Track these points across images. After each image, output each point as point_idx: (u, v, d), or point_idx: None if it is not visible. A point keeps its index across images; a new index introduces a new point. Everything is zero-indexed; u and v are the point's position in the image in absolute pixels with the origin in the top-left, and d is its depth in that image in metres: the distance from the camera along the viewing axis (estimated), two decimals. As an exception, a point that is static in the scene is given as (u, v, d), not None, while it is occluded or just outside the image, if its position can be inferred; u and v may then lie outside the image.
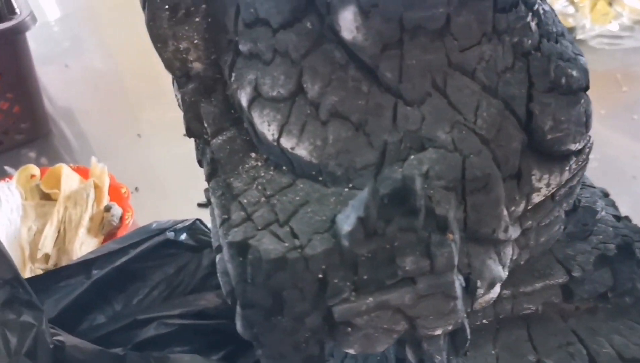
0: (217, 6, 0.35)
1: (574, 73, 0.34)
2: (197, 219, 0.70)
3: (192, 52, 0.36)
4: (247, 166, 0.36)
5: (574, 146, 0.36)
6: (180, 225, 0.70)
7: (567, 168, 0.37)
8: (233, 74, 0.35)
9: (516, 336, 0.48)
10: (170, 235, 0.68)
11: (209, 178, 0.39)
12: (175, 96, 0.39)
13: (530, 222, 0.39)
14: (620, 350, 0.46)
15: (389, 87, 0.33)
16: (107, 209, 0.81)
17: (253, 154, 0.37)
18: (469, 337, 0.36)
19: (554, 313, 0.49)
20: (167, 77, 0.38)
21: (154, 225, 0.70)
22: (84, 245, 0.77)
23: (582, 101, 0.35)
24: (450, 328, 0.35)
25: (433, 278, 0.32)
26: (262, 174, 0.35)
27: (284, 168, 0.36)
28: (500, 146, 0.34)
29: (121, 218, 0.81)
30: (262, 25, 0.33)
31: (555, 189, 0.38)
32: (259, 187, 0.35)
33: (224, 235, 0.34)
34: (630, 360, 0.45)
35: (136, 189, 0.94)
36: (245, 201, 0.34)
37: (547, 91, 0.34)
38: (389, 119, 0.33)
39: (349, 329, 0.33)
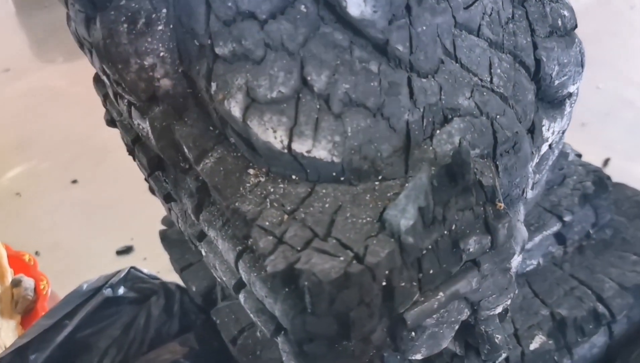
0: (181, 8, 0.29)
1: (566, 13, 0.33)
2: (132, 268, 0.63)
3: (159, 68, 0.30)
4: (248, 185, 0.31)
5: (572, 88, 0.35)
6: (114, 279, 0.61)
7: (565, 112, 0.36)
8: (213, 84, 0.30)
9: (522, 295, 0.47)
10: (107, 292, 0.60)
11: (196, 211, 0.34)
12: (137, 125, 0.33)
13: (537, 176, 0.38)
14: (620, 280, 0.46)
15: (400, 61, 0.30)
16: (16, 283, 0.70)
17: (251, 171, 0.32)
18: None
19: (548, 264, 0.49)
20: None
21: (85, 287, 0.61)
22: (1, 331, 0.65)
23: (576, 39, 0.34)
24: (509, 302, 0.32)
25: (495, 255, 0.30)
26: (272, 190, 0.31)
27: (294, 177, 0.31)
28: (519, 101, 0.32)
29: (35, 290, 0.70)
30: (246, 18, 0.29)
31: (555, 136, 0.37)
32: (275, 204, 0.30)
33: (251, 267, 0.29)
34: (632, 288, 0.46)
35: (37, 253, 0.82)
36: (267, 223, 0.29)
37: (548, 36, 0.32)
38: (407, 97, 0.30)
39: (414, 334, 0.30)
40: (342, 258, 0.27)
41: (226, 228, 0.32)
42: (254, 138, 0.30)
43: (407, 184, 0.27)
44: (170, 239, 0.57)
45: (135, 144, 0.37)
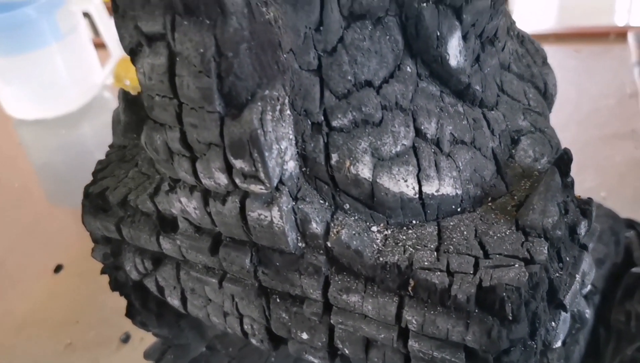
0: (295, 91, 0.31)
1: (539, 47, 0.42)
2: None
3: (288, 151, 0.31)
4: (378, 240, 0.33)
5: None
6: None
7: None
8: (334, 155, 0.32)
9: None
10: None
11: (325, 286, 0.34)
12: (255, 217, 0.33)
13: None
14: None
15: (474, 99, 0.35)
16: None
17: (374, 228, 0.34)
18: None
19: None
20: None
21: None
22: None
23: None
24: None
25: (590, 235, 0.36)
26: (404, 237, 0.33)
27: (414, 221, 0.34)
28: (546, 117, 0.39)
29: None
30: (363, 88, 0.32)
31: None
32: (418, 247, 0.33)
33: (422, 308, 0.31)
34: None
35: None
36: (426, 263, 0.32)
37: (543, 64, 0.41)
38: (487, 128, 0.35)
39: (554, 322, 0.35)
40: (516, 265, 0.31)
41: (371, 287, 0.33)
42: (383, 193, 0.33)
43: (539, 188, 0.32)
44: None
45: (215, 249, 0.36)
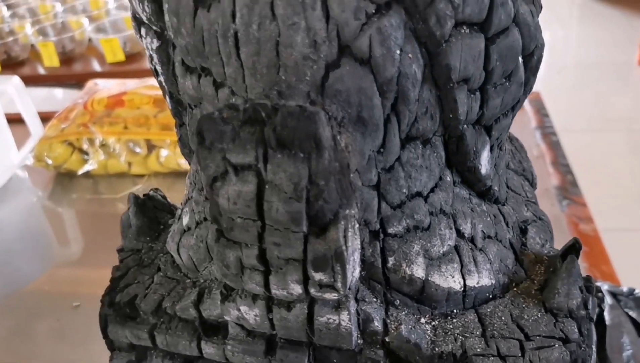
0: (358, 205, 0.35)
1: (520, 141, 0.49)
2: None
3: (357, 259, 0.34)
4: (429, 331, 0.37)
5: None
6: None
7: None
8: (390, 259, 0.36)
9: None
10: None
11: None
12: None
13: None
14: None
15: (492, 198, 0.41)
16: None
17: (422, 320, 0.38)
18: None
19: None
20: None
21: None
22: None
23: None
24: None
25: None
26: (451, 327, 0.38)
27: (454, 311, 0.38)
28: (538, 205, 0.46)
29: None
30: (414, 198, 0.36)
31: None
32: (466, 335, 0.37)
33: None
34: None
35: None
36: (478, 349, 0.36)
37: (526, 157, 0.48)
38: (504, 222, 0.41)
39: None
40: (557, 345, 0.36)
41: (426, 375, 0.37)
42: (434, 289, 0.37)
43: (561, 273, 0.38)
44: None
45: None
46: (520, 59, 0.35)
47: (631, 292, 0.68)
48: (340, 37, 0.31)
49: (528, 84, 0.36)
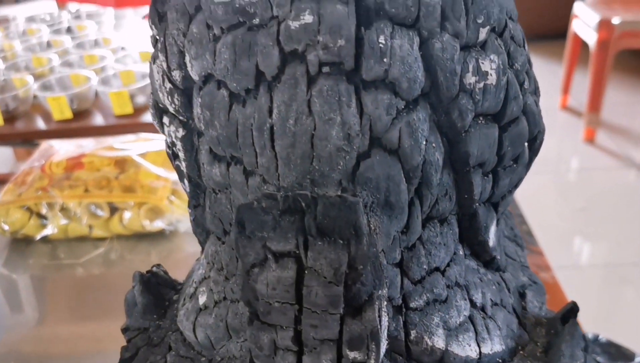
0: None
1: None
2: None
3: (385, 335, 0.36)
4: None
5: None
6: None
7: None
8: (412, 332, 0.38)
9: None
10: None
11: None
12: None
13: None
14: None
15: (494, 266, 0.43)
16: None
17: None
18: None
19: None
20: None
21: None
22: None
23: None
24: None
25: None
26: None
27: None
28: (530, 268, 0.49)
29: None
30: (433, 272, 0.38)
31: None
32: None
33: None
34: None
35: None
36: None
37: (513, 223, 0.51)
38: (507, 288, 0.44)
39: None
40: (569, 406, 0.38)
41: None
42: (452, 357, 0.39)
43: (565, 337, 0.41)
44: None
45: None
46: (526, 143, 0.38)
47: (596, 338, 0.72)
48: (372, 130, 0.33)
49: (530, 164, 0.39)
